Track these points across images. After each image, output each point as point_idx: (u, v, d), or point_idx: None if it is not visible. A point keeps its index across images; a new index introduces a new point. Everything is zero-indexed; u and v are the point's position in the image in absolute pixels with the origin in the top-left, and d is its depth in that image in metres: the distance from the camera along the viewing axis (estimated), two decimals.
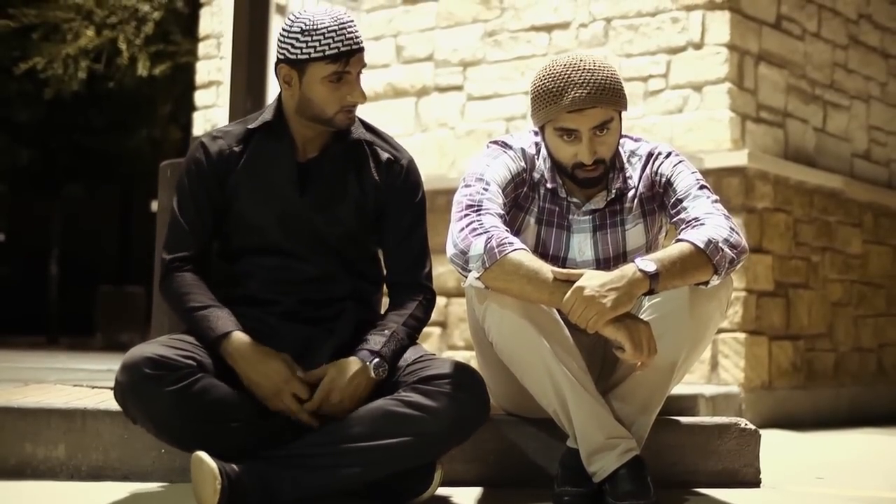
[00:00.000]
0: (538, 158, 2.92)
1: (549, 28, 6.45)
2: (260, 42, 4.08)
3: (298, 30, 2.63)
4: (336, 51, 2.61)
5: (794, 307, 6.04)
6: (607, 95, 2.74)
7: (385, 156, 2.83)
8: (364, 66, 2.69)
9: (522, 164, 2.89)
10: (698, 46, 5.90)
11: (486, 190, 2.76)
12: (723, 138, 5.78)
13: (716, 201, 2.80)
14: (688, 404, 3.72)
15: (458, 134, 6.73)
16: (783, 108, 6.20)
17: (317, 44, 2.61)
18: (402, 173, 2.83)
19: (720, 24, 5.84)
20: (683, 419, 3.18)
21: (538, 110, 2.80)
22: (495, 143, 2.93)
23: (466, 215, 2.69)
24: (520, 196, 2.89)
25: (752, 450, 3.17)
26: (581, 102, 2.71)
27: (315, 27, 2.61)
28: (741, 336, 5.61)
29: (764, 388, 5.73)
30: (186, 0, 12.17)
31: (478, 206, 2.71)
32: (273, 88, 3.97)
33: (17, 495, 2.75)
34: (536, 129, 2.92)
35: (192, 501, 2.50)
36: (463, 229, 2.66)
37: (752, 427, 3.20)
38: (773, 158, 5.96)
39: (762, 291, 5.76)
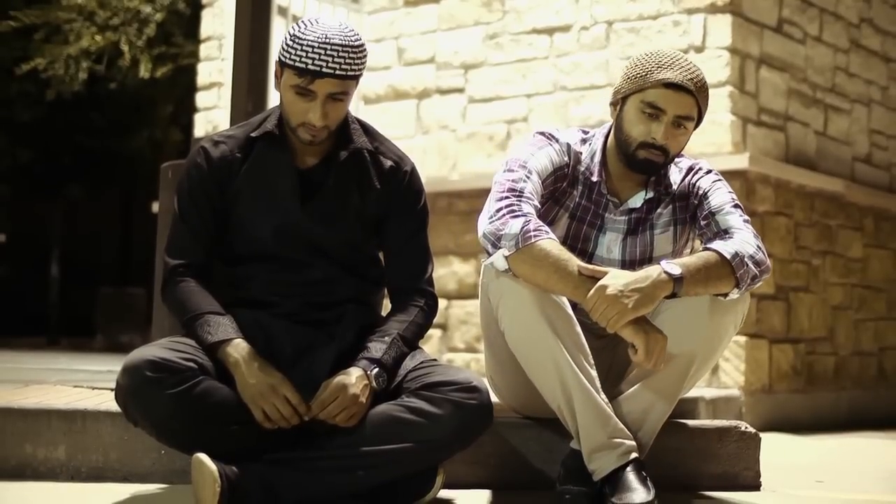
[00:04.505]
0: (584, 154, 2.94)
1: (550, 31, 6.45)
2: (261, 44, 4.07)
3: (292, 33, 2.63)
4: (304, 66, 2.58)
5: (795, 311, 6.04)
6: (701, 90, 2.81)
7: (387, 163, 2.81)
8: (342, 92, 2.62)
9: (566, 158, 2.92)
10: (700, 50, 5.90)
11: (528, 178, 2.79)
12: (724, 141, 5.78)
13: (747, 220, 2.84)
14: (688, 407, 3.72)
15: (459, 136, 6.72)
16: (784, 112, 6.20)
17: (293, 51, 2.59)
18: (405, 180, 2.82)
19: (722, 28, 5.84)
20: (684, 422, 3.18)
21: (634, 76, 2.82)
22: (542, 133, 2.95)
23: (507, 197, 2.73)
24: (557, 190, 2.92)
25: (752, 453, 3.18)
26: (681, 80, 2.76)
27: (302, 36, 2.59)
28: (741, 339, 5.61)
29: (764, 391, 5.73)
30: (188, 2, 12.17)
31: (519, 192, 2.75)
32: (274, 91, 3.97)
33: (17, 496, 2.75)
34: (612, 103, 2.89)
35: (191, 503, 2.50)
36: (501, 209, 2.69)
37: (753, 430, 3.20)
38: (774, 162, 5.96)
39: (763, 295, 5.76)
